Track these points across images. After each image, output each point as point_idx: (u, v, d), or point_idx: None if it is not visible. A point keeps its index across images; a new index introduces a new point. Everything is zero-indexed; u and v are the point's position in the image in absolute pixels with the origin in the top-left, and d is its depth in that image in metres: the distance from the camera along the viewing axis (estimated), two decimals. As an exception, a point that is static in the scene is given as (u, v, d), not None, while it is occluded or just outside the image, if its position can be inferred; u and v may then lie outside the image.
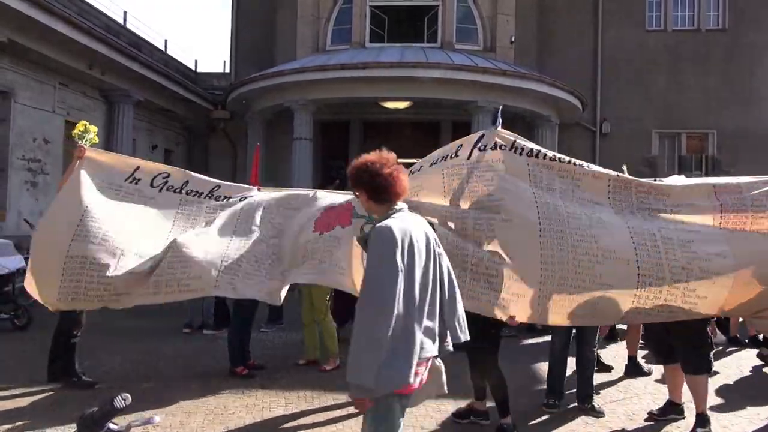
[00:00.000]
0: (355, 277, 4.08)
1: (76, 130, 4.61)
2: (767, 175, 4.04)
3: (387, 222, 2.43)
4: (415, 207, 4.01)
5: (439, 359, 2.64)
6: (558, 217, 3.70)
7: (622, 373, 5.70)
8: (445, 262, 2.65)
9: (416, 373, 2.39)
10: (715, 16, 15.01)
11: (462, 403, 4.57)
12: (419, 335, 2.38)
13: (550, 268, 3.65)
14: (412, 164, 4.21)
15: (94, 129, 4.67)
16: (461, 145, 4.13)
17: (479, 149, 4.02)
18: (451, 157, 4.12)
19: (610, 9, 14.94)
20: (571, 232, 3.65)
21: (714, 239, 3.62)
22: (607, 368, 5.76)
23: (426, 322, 2.44)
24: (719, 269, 3.53)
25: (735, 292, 3.57)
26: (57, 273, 4.15)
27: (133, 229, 4.35)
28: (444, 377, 2.74)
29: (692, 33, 14.96)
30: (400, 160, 2.64)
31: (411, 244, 2.39)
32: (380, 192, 2.51)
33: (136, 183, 4.56)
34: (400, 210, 2.52)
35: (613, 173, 3.95)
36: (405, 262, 2.35)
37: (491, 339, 4.11)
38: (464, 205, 3.95)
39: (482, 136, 4.08)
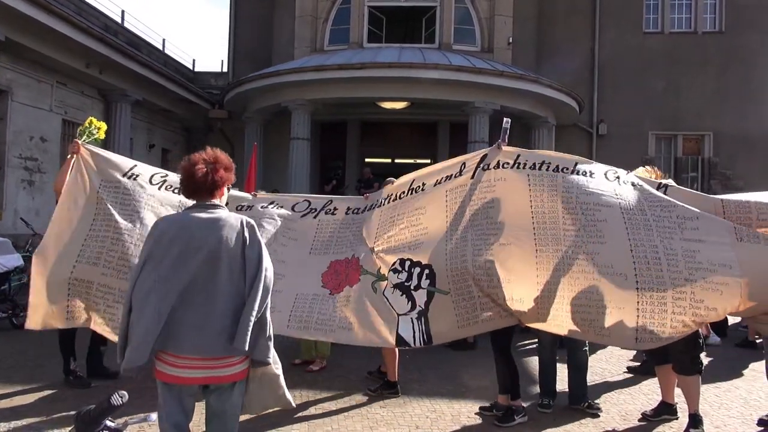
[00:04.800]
0: (358, 328, 4.11)
1: (82, 126, 4.59)
2: (764, 175, 4.00)
3: (165, 215, 2.56)
4: (414, 248, 4.12)
5: (275, 368, 2.68)
6: (555, 235, 3.74)
7: (616, 374, 5.74)
8: (253, 272, 2.52)
9: (172, 364, 2.48)
10: (711, 18, 15.07)
11: (457, 404, 4.61)
12: (155, 324, 2.43)
13: (546, 288, 3.73)
14: (411, 165, 4.23)
15: (102, 126, 4.59)
16: (464, 164, 4.17)
17: (483, 168, 4.06)
18: (455, 176, 4.15)
19: (608, 11, 14.99)
20: (568, 250, 3.69)
21: (720, 249, 3.55)
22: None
23: (178, 316, 2.46)
24: (725, 280, 3.46)
25: (745, 303, 3.50)
26: (63, 292, 4.11)
27: (133, 238, 4.30)
28: (283, 390, 2.77)
29: (689, 35, 15.03)
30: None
31: (171, 237, 2.50)
32: (182, 187, 2.68)
33: (135, 178, 4.47)
34: (205, 206, 2.61)
35: (614, 178, 3.91)
36: (157, 253, 2.48)
37: (498, 333, 4.22)
38: (464, 231, 3.99)
39: (486, 155, 4.12)
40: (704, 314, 3.50)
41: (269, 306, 2.59)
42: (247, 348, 2.47)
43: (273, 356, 2.64)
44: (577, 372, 4.67)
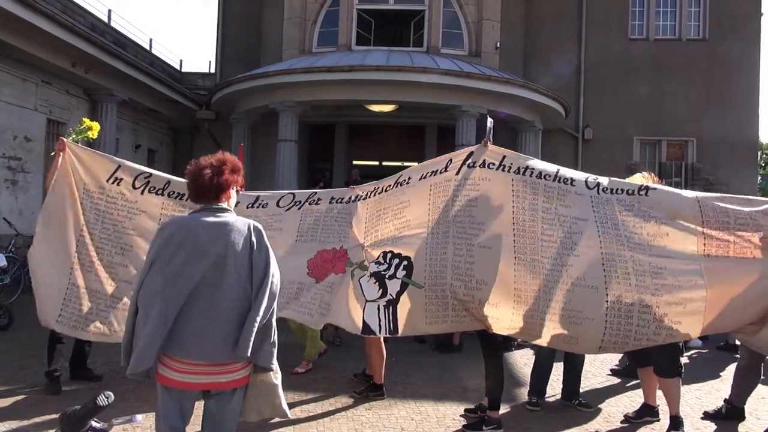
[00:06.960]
0: (333, 312, 4.17)
1: (74, 128, 4.62)
2: (745, 181, 4.07)
3: (173, 217, 2.52)
4: (396, 241, 4.17)
5: (274, 377, 2.63)
6: (533, 245, 3.83)
7: (599, 376, 5.80)
8: (260, 277, 2.50)
9: (174, 369, 2.45)
10: (696, 26, 15.27)
11: (443, 406, 4.64)
12: (161, 328, 2.38)
13: (523, 295, 3.81)
14: (398, 168, 4.28)
15: (94, 126, 4.60)
16: (451, 160, 4.21)
17: (468, 166, 4.11)
18: (440, 172, 4.20)
19: (595, 17, 15.14)
20: (544, 261, 3.79)
21: (688, 265, 3.64)
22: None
23: (182, 320, 2.43)
24: (689, 295, 3.58)
25: (710, 317, 3.61)
26: (59, 297, 4.22)
27: (116, 249, 4.40)
28: (280, 399, 2.69)
29: (674, 42, 15.22)
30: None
31: (178, 240, 2.45)
32: (188, 192, 2.64)
33: (118, 183, 4.50)
34: (212, 209, 2.55)
35: (594, 184, 3.97)
36: (163, 255, 2.44)
37: (488, 338, 4.21)
38: (446, 226, 4.04)
39: (472, 153, 4.16)
40: (669, 327, 3.62)
41: (275, 311, 2.55)
42: (250, 354, 2.44)
43: (275, 364, 2.61)
44: (573, 370, 4.79)
